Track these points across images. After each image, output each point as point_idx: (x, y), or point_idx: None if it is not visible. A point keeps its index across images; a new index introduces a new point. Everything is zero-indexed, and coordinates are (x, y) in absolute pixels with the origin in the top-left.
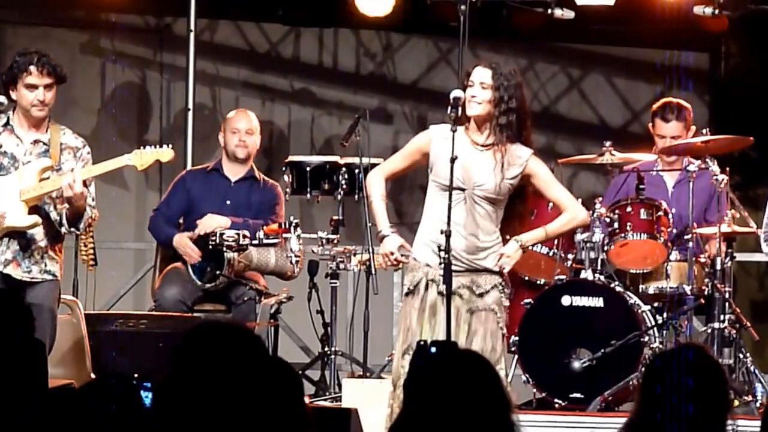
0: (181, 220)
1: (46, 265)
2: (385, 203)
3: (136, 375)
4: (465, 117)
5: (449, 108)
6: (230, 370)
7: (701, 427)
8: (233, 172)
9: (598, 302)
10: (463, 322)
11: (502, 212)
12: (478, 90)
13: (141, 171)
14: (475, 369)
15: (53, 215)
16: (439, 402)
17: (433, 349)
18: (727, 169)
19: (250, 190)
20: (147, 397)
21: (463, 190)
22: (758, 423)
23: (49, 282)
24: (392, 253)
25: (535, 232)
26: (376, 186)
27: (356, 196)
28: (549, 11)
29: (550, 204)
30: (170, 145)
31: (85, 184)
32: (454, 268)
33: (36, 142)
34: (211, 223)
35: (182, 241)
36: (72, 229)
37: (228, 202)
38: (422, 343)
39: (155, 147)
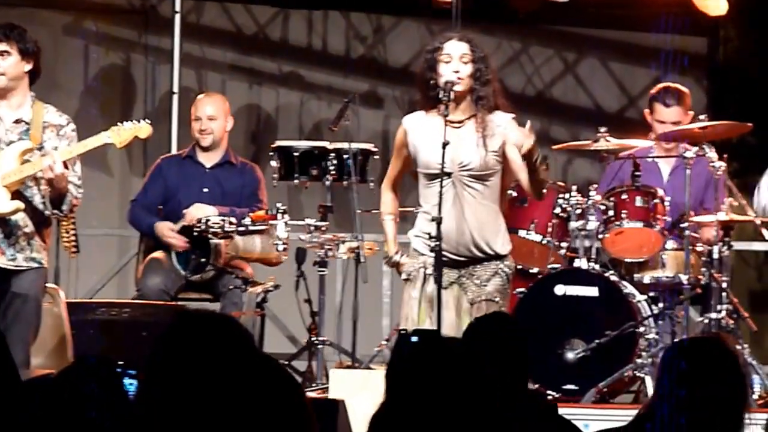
0: (161, 207)
1: (31, 252)
2: (395, 223)
3: (121, 363)
4: (433, 97)
5: (441, 92)
6: (214, 363)
7: (718, 421)
8: (207, 158)
9: (592, 292)
10: (464, 313)
11: (498, 188)
12: (459, 64)
13: (121, 148)
14: (456, 358)
15: (37, 199)
16: (421, 391)
17: (414, 338)
18: (725, 155)
19: (227, 175)
20: (131, 384)
21: (449, 174)
22: (759, 415)
23: (34, 270)
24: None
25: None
26: (385, 203)
27: (345, 183)
28: None
29: (544, 191)
30: (147, 120)
31: (66, 165)
32: (452, 257)
33: (18, 121)
34: (198, 213)
35: (164, 230)
36: (55, 212)
37: (205, 190)
38: (403, 332)
39: (133, 122)
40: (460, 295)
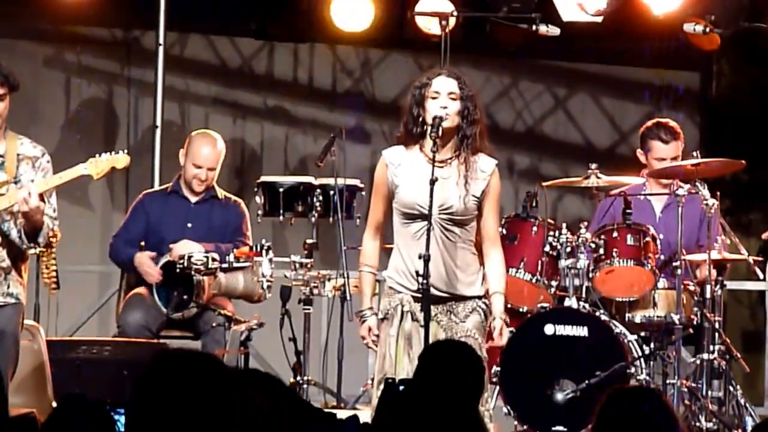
0: (143, 243)
1: (8, 288)
2: (374, 276)
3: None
4: (418, 134)
5: (429, 128)
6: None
7: None
8: (193, 193)
9: (582, 331)
10: None
11: (475, 230)
12: (447, 101)
13: (98, 179)
14: (445, 407)
15: (14, 233)
16: None
17: (401, 387)
18: (718, 193)
19: (211, 210)
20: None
21: (427, 216)
22: None
23: (12, 306)
24: (364, 338)
25: (497, 300)
26: (366, 254)
27: (331, 219)
28: (534, 27)
29: (534, 228)
30: (125, 151)
31: (42, 197)
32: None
33: None
34: (183, 250)
35: (142, 259)
36: (31, 244)
37: (189, 225)
38: (390, 380)
39: (110, 153)
40: (437, 332)
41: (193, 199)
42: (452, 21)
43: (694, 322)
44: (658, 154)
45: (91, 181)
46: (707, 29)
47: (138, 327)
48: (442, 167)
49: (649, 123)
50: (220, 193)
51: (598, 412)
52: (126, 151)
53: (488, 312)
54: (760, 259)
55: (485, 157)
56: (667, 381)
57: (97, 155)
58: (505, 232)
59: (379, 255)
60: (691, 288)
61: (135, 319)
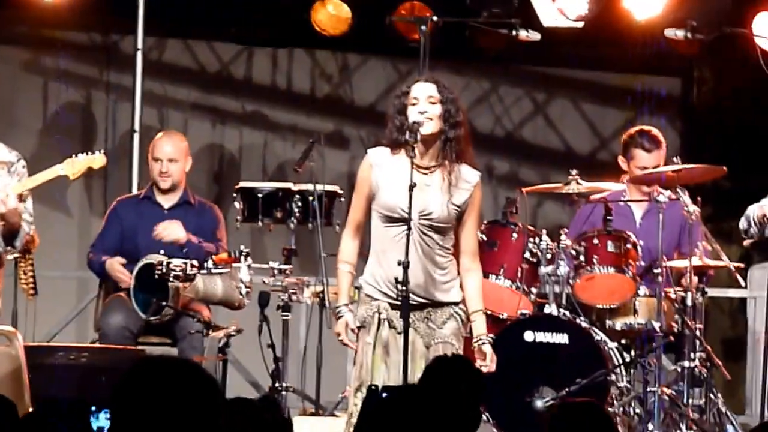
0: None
1: None
2: (351, 275)
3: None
4: (402, 142)
5: (407, 134)
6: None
7: None
8: (166, 199)
9: (562, 338)
10: (419, 357)
11: (453, 238)
12: (427, 105)
13: (74, 179)
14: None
15: None
16: None
17: (384, 394)
18: (699, 199)
19: (186, 216)
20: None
21: (407, 221)
22: None
23: None
24: (339, 334)
25: (479, 318)
26: (345, 251)
27: (310, 225)
28: (514, 33)
29: (514, 235)
30: (102, 151)
31: (20, 199)
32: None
33: None
34: (171, 231)
35: (113, 265)
36: (8, 248)
37: None
38: (373, 387)
39: (86, 154)
40: (415, 339)
41: (167, 205)
42: (432, 26)
43: (675, 330)
44: (640, 162)
45: (68, 186)
46: (688, 35)
47: (119, 329)
48: (425, 174)
49: (632, 130)
50: (194, 198)
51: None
52: (103, 151)
53: (465, 319)
54: (741, 266)
55: (470, 168)
56: (648, 388)
57: (73, 156)
58: (484, 238)
59: (357, 257)
60: (672, 295)
61: (116, 322)
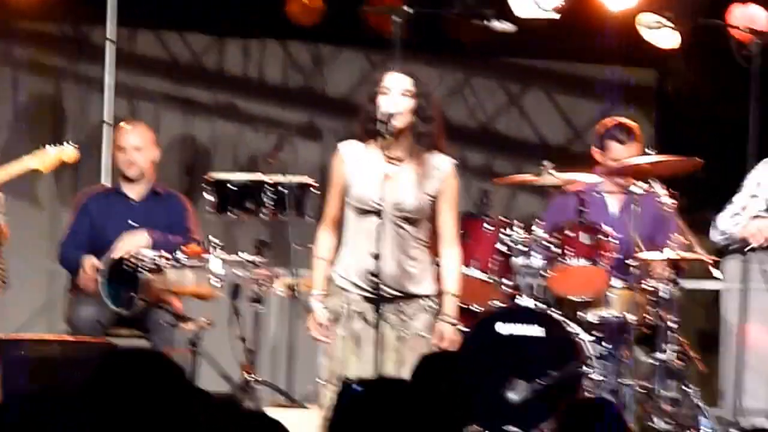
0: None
1: None
2: (327, 266)
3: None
4: (372, 130)
5: (380, 125)
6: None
7: None
8: (134, 191)
9: (535, 331)
10: (391, 350)
11: (428, 229)
12: (399, 98)
13: (46, 172)
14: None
15: None
16: None
17: (358, 387)
18: (674, 192)
19: (154, 207)
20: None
21: (380, 213)
22: None
23: None
24: (308, 329)
25: (448, 300)
26: (321, 246)
27: (282, 217)
28: (488, 24)
29: (487, 226)
30: (73, 143)
31: None
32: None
33: None
34: (128, 245)
35: (86, 265)
36: None
37: (133, 224)
38: (347, 381)
39: (57, 146)
40: (387, 331)
41: (135, 197)
42: (405, 17)
43: (650, 322)
44: (614, 154)
45: (39, 178)
46: (665, 26)
47: (90, 321)
48: (396, 165)
49: (608, 122)
50: (161, 189)
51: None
52: (73, 144)
53: (437, 311)
54: (716, 258)
55: (441, 155)
56: (622, 381)
57: (44, 147)
58: None
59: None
60: (646, 287)
61: (87, 314)
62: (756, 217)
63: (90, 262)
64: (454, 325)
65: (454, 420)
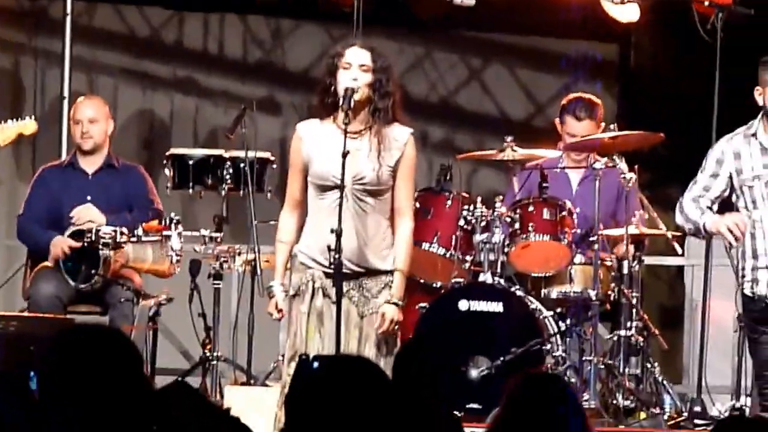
0: None
1: None
2: (289, 252)
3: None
4: (331, 104)
5: (341, 100)
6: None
7: None
8: (90, 164)
9: (497, 307)
10: (353, 327)
11: (390, 203)
12: (358, 72)
13: (5, 146)
14: (361, 382)
15: None
16: (323, 418)
17: (316, 364)
18: (636, 167)
19: (110, 180)
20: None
21: (341, 188)
22: None
23: None
24: (270, 314)
25: (396, 278)
26: (283, 229)
27: (241, 192)
28: None
29: (448, 202)
30: (32, 117)
31: None
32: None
33: None
34: (85, 215)
35: (63, 244)
36: None
37: (89, 198)
38: (304, 357)
39: (17, 120)
40: (349, 308)
41: (90, 170)
42: None
43: (611, 298)
44: (570, 129)
45: None
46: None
47: (50, 297)
48: (355, 138)
49: (571, 96)
50: (117, 161)
51: (508, 396)
52: (33, 117)
53: None
54: (678, 234)
55: (400, 126)
56: (584, 358)
57: (2, 122)
58: (418, 205)
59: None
60: (608, 263)
61: (46, 290)
62: (718, 199)
63: (66, 242)
64: (397, 305)
65: (421, 399)
